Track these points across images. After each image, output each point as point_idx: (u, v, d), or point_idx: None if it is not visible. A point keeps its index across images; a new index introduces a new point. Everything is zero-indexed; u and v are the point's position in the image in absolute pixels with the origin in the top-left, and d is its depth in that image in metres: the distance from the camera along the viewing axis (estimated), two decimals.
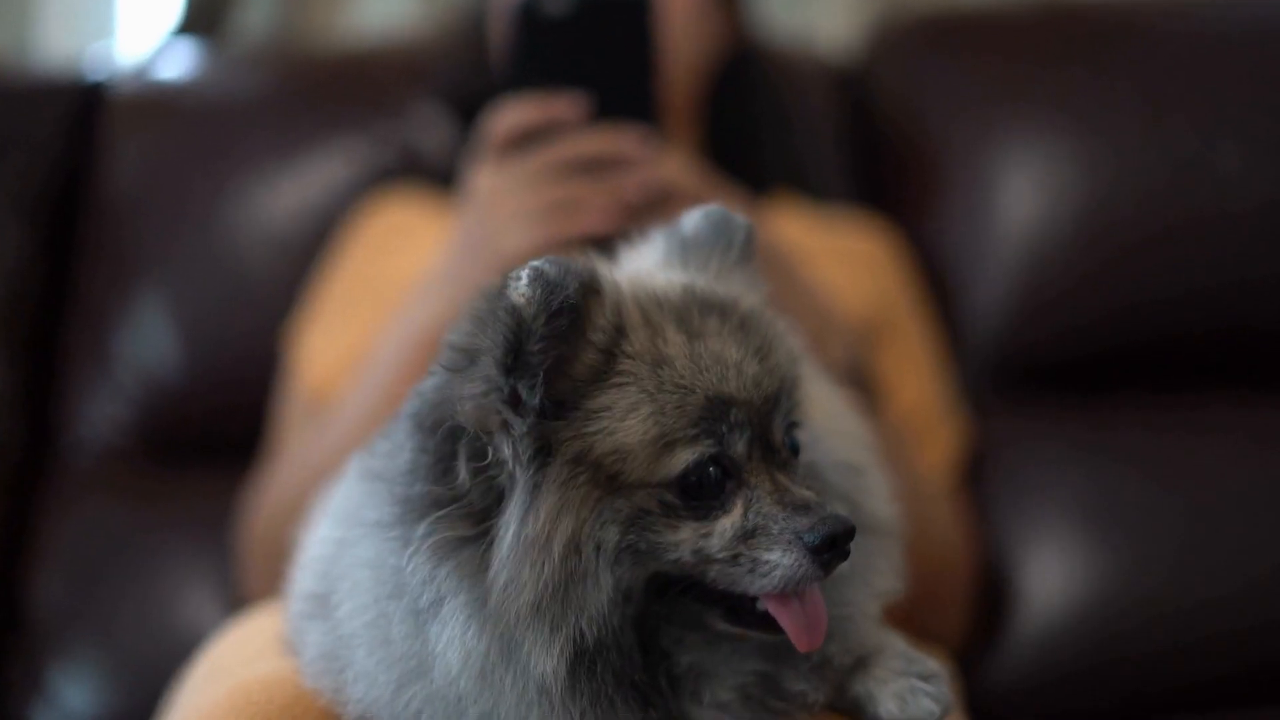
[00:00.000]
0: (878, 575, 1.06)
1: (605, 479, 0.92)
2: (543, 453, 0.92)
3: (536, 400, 0.91)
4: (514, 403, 0.92)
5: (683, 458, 0.92)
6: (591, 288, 0.92)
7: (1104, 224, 2.04)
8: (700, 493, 0.93)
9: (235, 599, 1.79)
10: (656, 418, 0.92)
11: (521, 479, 0.91)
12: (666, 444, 0.92)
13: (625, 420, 0.92)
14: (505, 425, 0.92)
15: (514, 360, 0.90)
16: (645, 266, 1.06)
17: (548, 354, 0.90)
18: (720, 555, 0.93)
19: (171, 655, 1.46)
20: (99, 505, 2.04)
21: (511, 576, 0.90)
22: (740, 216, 1.07)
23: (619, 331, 0.93)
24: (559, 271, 0.89)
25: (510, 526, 0.91)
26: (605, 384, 0.93)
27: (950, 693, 1.03)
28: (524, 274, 0.89)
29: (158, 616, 1.94)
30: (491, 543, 0.92)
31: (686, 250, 1.05)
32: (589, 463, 0.92)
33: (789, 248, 1.57)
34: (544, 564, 0.90)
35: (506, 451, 0.92)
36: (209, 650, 1.24)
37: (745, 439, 0.94)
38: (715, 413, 0.93)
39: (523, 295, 0.89)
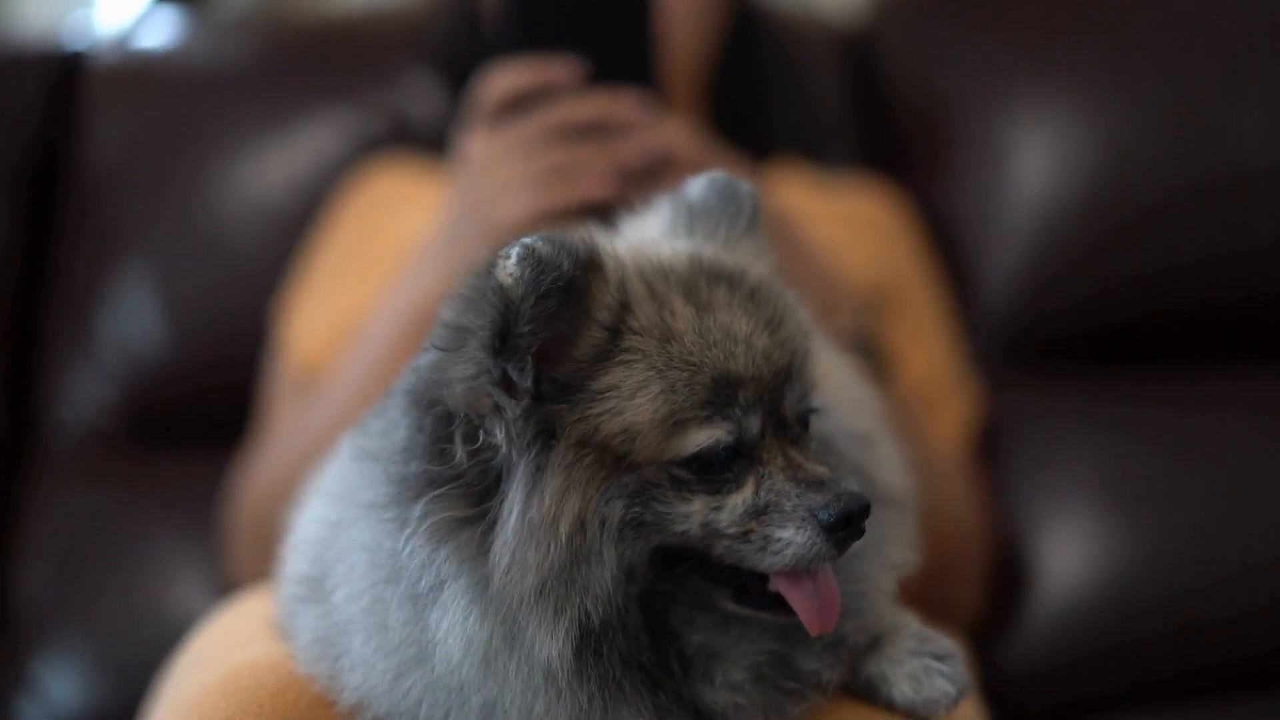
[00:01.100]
0: (892, 548, 1.05)
1: (613, 459, 0.91)
2: (545, 435, 0.91)
3: (529, 382, 0.90)
4: (506, 385, 0.91)
5: (695, 440, 0.92)
6: (592, 263, 0.91)
7: (1119, 189, 2.03)
8: (712, 469, 0.93)
9: (224, 583, 1.79)
10: (666, 395, 0.91)
11: (522, 462, 0.91)
12: (677, 423, 0.92)
13: (634, 399, 0.91)
14: (497, 408, 0.91)
15: (502, 343, 0.90)
16: (649, 235, 1.05)
17: (537, 335, 0.90)
18: (730, 530, 0.93)
19: (159, 643, 1.45)
20: (82, 489, 2.03)
21: (515, 559, 0.90)
22: (744, 182, 1.06)
23: (624, 308, 0.92)
24: (552, 249, 0.88)
25: (514, 510, 0.90)
26: (611, 362, 0.92)
27: (965, 673, 1.03)
28: (514, 252, 0.88)
29: (144, 603, 1.94)
30: (492, 524, 0.91)
31: (694, 218, 1.04)
32: (595, 444, 0.91)
33: (794, 214, 1.56)
34: (550, 545, 0.90)
35: (499, 435, 0.91)
36: (197, 636, 1.24)
37: (758, 418, 0.94)
38: (725, 393, 0.93)
39: (510, 275, 0.88)
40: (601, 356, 0.92)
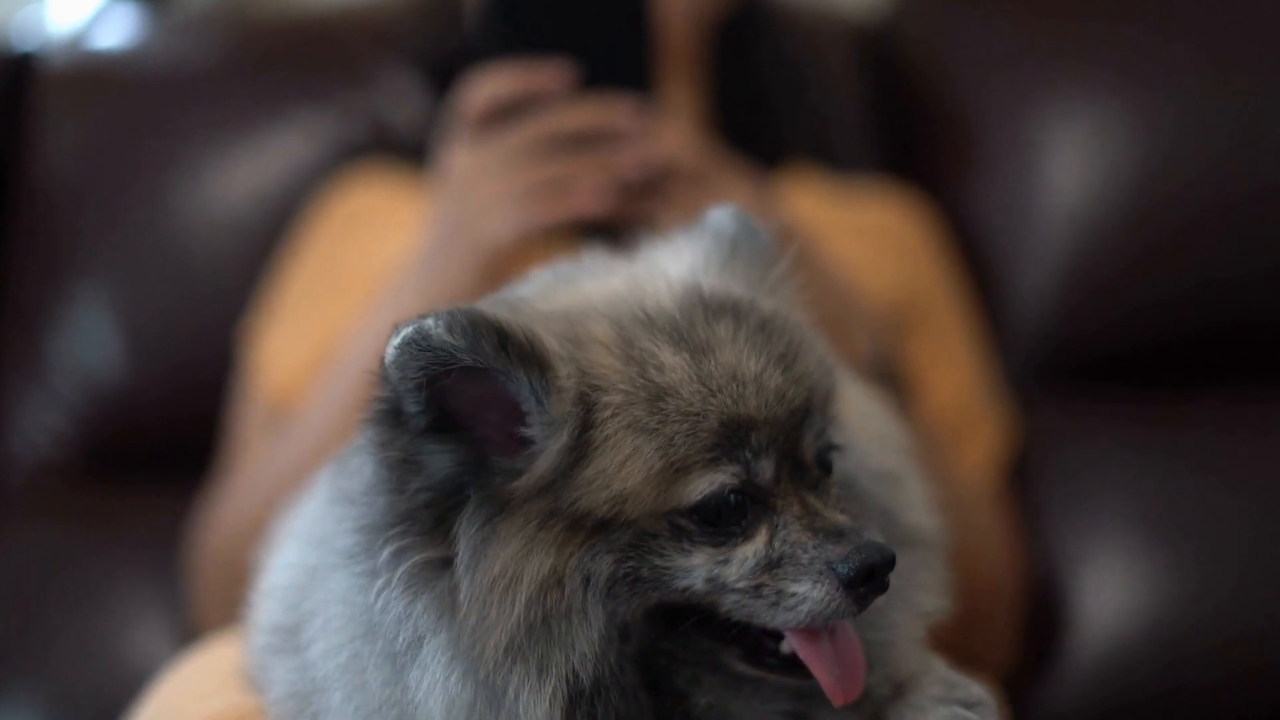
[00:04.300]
0: (921, 593, 1.06)
1: (594, 524, 0.92)
2: (491, 509, 0.92)
3: (443, 465, 0.92)
4: (421, 457, 0.92)
5: (698, 487, 0.92)
6: (529, 359, 0.90)
7: (1162, 196, 2.04)
8: (718, 519, 0.93)
9: (188, 629, 1.80)
10: (663, 451, 0.91)
11: (461, 536, 0.91)
12: (678, 470, 0.92)
13: (623, 470, 0.91)
14: (408, 477, 0.93)
15: (395, 419, 0.92)
16: (663, 267, 1.05)
17: (438, 417, 0.91)
18: (739, 585, 0.93)
19: (118, 693, 1.46)
20: (35, 527, 2.04)
21: (480, 617, 0.91)
22: (757, 220, 1.07)
23: (588, 407, 0.92)
24: (448, 335, 0.88)
25: (465, 574, 0.91)
26: (589, 459, 0.92)
27: None
28: (405, 331, 0.89)
29: (102, 651, 1.94)
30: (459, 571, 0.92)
31: (736, 254, 1.04)
32: (568, 514, 0.91)
33: (806, 226, 1.58)
34: (513, 602, 0.90)
35: (421, 497, 0.93)
36: (159, 686, 1.24)
37: (772, 462, 0.94)
38: (734, 437, 0.93)
39: (389, 357, 0.90)
40: (574, 465, 0.92)
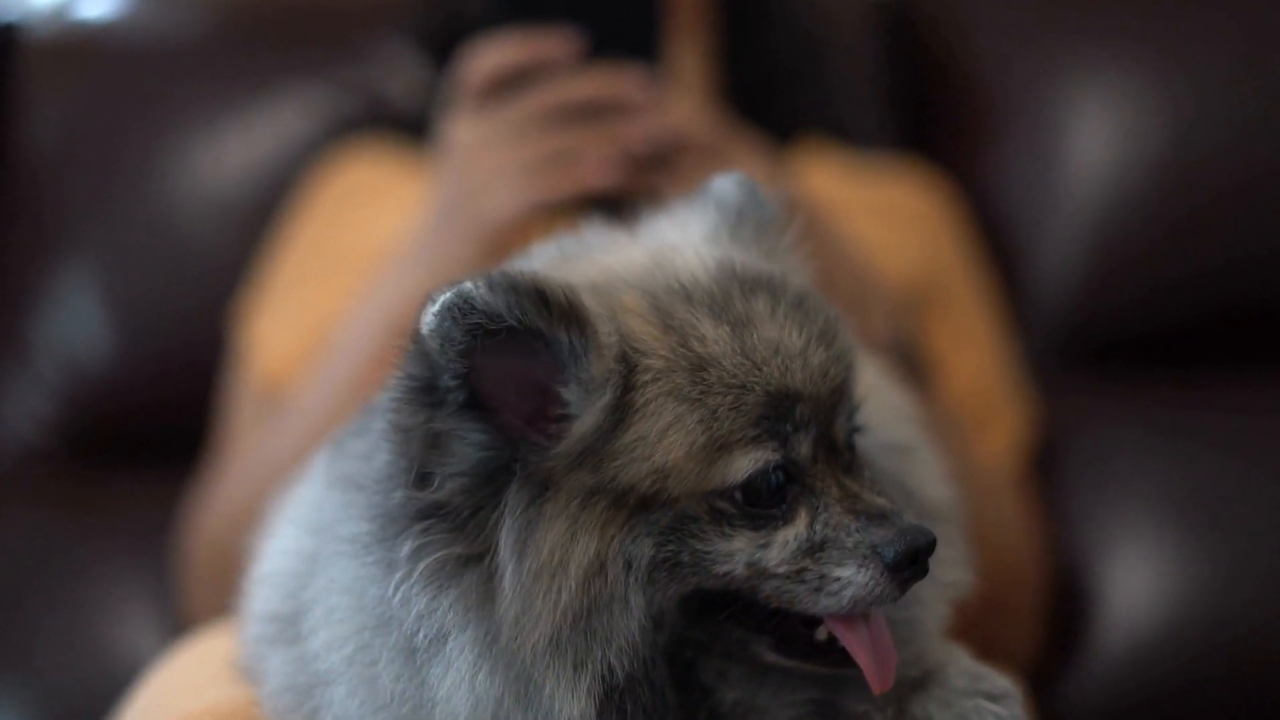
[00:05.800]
0: (942, 566, 1.05)
1: (637, 500, 0.91)
2: (534, 489, 0.91)
3: (476, 438, 0.90)
4: (453, 436, 0.91)
5: (741, 465, 0.92)
6: (566, 315, 0.89)
7: (1189, 170, 2.03)
8: (759, 500, 0.93)
9: (179, 620, 1.80)
10: (707, 424, 0.91)
11: (504, 520, 0.91)
12: (721, 447, 0.92)
13: (664, 440, 0.91)
14: (436, 461, 0.92)
15: (430, 395, 0.90)
16: (672, 240, 1.05)
17: (476, 390, 0.90)
18: (780, 570, 0.93)
19: (105, 686, 1.46)
20: (19, 516, 2.05)
21: (524, 609, 0.90)
22: (767, 187, 1.06)
23: (627, 369, 0.91)
24: (491, 297, 0.87)
25: (509, 562, 0.90)
26: (629, 423, 0.91)
27: (1023, 715, 1.02)
28: (441, 297, 0.88)
29: (89, 642, 1.95)
30: (495, 564, 0.91)
31: (742, 224, 1.04)
32: (611, 490, 0.91)
33: (822, 203, 1.57)
34: (561, 591, 0.90)
35: (452, 486, 0.91)
36: (149, 680, 1.24)
37: (810, 439, 0.94)
38: (779, 410, 0.93)
39: (427, 325, 0.88)
40: (612, 429, 0.91)
